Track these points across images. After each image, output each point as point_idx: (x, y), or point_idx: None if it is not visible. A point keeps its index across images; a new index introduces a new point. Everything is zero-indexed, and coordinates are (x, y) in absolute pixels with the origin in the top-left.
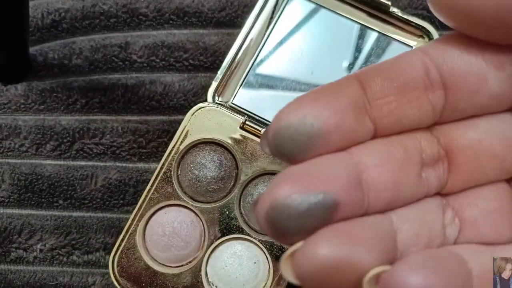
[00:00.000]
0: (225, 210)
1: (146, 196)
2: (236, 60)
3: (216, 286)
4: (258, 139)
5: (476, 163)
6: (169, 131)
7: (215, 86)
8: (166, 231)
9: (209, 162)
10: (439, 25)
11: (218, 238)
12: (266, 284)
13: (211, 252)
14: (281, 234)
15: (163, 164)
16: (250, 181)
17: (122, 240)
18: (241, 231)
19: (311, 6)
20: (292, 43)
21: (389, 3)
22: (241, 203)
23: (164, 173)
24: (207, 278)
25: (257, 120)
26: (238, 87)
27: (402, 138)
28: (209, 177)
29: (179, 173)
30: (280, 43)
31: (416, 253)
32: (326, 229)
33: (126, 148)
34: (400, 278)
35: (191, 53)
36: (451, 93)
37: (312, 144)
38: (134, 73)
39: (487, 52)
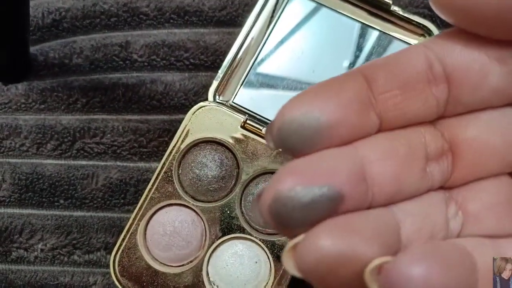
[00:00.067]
0: (226, 209)
1: (147, 195)
2: (237, 59)
3: (217, 286)
4: (259, 138)
5: (479, 156)
6: (170, 130)
7: (216, 85)
8: (167, 230)
9: (210, 161)
10: (440, 24)
11: (219, 238)
12: (267, 283)
13: (212, 252)
14: (285, 226)
15: (164, 164)
16: (251, 180)
17: (123, 239)
18: (242, 230)
19: (312, 5)
20: (293, 42)
21: (390, 1)
22: (242, 202)
23: (165, 172)
24: (208, 278)
25: (258, 119)
26: (239, 86)
27: (406, 132)
28: (210, 176)
29: (180, 172)
30: (281, 42)
31: (419, 244)
32: (328, 221)
33: (127, 147)
34: (403, 268)
35: (192, 52)
36: (454, 87)
37: (318, 138)
38: (135, 73)
39: (489, 47)
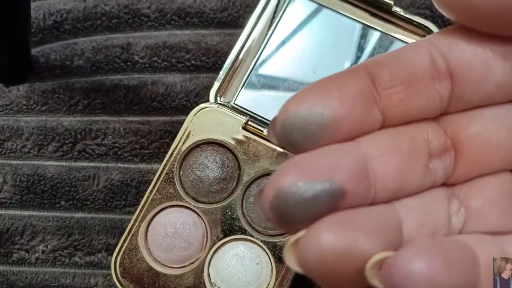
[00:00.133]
0: (228, 210)
1: (148, 197)
2: (238, 60)
3: (218, 287)
4: (260, 140)
5: (482, 152)
6: (171, 131)
7: (217, 87)
8: (168, 232)
9: (211, 163)
10: (441, 24)
11: (221, 239)
12: (268, 285)
13: (214, 253)
14: (286, 222)
15: (165, 165)
16: (252, 182)
17: (124, 241)
18: (244, 231)
19: (313, 6)
20: (294, 43)
21: (392, 2)
22: (244, 203)
23: (166, 173)
24: (210, 279)
25: (259, 121)
26: (240, 87)
27: (409, 128)
28: (211, 178)
29: (181, 173)
30: (282, 43)
31: (421, 240)
32: (330, 217)
33: (128, 149)
34: (404, 264)
35: (193, 54)
36: (457, 83)
37: (321, 133)
38: (136, 74)
39: (492, 42)
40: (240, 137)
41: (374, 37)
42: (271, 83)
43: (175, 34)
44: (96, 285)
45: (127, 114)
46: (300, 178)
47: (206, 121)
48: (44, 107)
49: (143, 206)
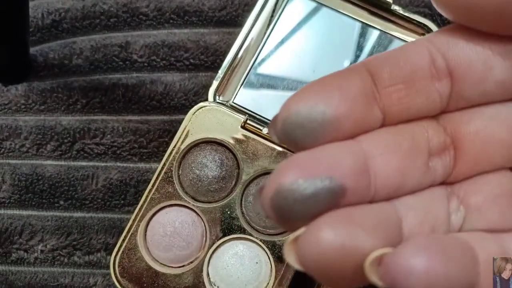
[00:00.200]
0: (227, 210)
1: (147, 196)
2: (237, 59)
3: (217, 287)
4: (259, 138)
5: (482, 150)
6: (170, 130)
7: (216, 86)
8: (167, 231)
9: (210, 162)
10: (440, 23)
11: (220, 238)
12: (268, 284)
13: (213, 252)
14: (286, 219)
15: (164, 164)
16: (251, 181)
17: (123, 240)
18: (243, 231)
19: (312, 4)
20: (293, 41)
21: (391, 1)
22: (243, 202)
23: (165, 173)
24: (209, 279)
25: (258, 119)
26: (239, 86)
27: (409, 127)
28: (210, 177)
29: (180, 173)
30: (281, 42)
31: (421, 237)
32: (330, 214)
33: (127, 148)
34: (403, 260)
35: (192, 53)
36: (457, 82)
37: (322, 131)
38: (135, 73)
39: (492, 41)
40: (239, 136)
41: (373, 36)
42: (270, 82)
43: (173, 33)
44: (95, 284)
45: (125, 113)
46: (300, 175)
47: (205, 120)
48: (43, 106)
49: (142, 206)
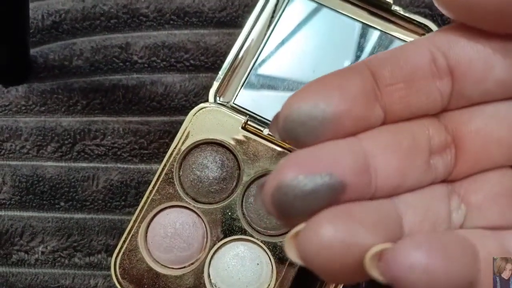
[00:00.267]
0: (228, 211)
1: (148, 197)
2: (238, 60)
3: None
4: (260, 139)
5: (483, 149)
6: (171, 132)
7: (216, 86)
8: (168, 232)
9: (211, 163)
10: (441, 23)
11: (221, 239)
12: (269, 285)
13: (214, 254)
14: (287, 215)
15: (165, 165)
16: (252, 182)
17: (124, 241)
18: (244, 232)
19: (313, 5)
20: (294, 42)
21: (391, 1)
22: (244, 203)
23: (166, 174)
24: (210, 280)
25: (258, 120)
26: (239, 87)
27: (410, 125)
28: (211, 178)
29: (180, 174)
30: (282, 42)
31: (421, 233)
32: (329, 210)
33: (127, 149)
34: (403, 255)
35: (192, 54)
36: (458, 80)
37: (323, 129)
38: (135, 74)
39: (493, 40)
40: (239, 137)
41: (373, 36)
42: (270, 83)
43: (174, 34)
44: (96, 286)
45: (126, 114)
46: (300, 171)
47: (206, 121)
48: (43, 108)
49: (142, 207)
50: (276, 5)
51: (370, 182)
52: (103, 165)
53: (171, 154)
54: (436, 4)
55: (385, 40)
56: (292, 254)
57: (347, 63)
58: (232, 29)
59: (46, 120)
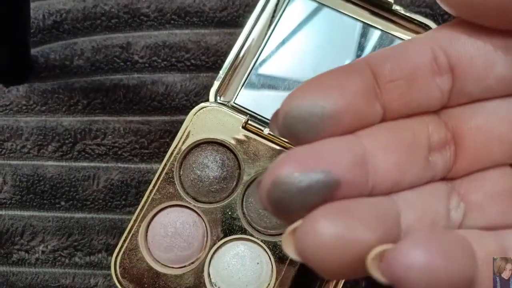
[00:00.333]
0: (228, 210)
1: (148, 196)
2: (238, 59)
3: (219, 287)
4: (260, 139)
5: (483, 146)
6: (171, 131)
7: (217, 86)
8: (168, 231)
9: (211, 162)
10: (442, 22)
11: (221, 239)
12: (269, 285)
13: (214, 253)
14: (282, 211)
15: (165, 165)
16: (252, 181)
17: (124, 241)
18: (244, 231)
19: (313, 4)
20: (294, 42)
21: (392, 1)
22: (244, 203)
23: (166, 173)
24: (210, 279)
25: (259, 120)
26: (240, 86)
27: (410, 122)
28: (211, 177)
29: (181, 173)
30: (282, 42)
31: (420, 232)
32: (326, 206)
33: (128, 148)
34: (404, 255)
35: (193, 53)
36: (458, 77)
37: (323, 126)
38: (136, 74)
39: (494, 36)
40: (240, 136)
41: (374, 36)
42: (271, 82)
43: (174, 34)
44: (96, 285)
45: (127, 114)
46: (296, 168)
47: (206, 121)
48: (44, 107)
49: (143, 206)
50: (276, 4)
51: (368, 178)
52: (104, 165)
53: (172, 153)
54: (438, 1)
55: (386, 39)
56: (289, 251)
57: (347, 63)
58: (232, 28)
59: (47, 119)
